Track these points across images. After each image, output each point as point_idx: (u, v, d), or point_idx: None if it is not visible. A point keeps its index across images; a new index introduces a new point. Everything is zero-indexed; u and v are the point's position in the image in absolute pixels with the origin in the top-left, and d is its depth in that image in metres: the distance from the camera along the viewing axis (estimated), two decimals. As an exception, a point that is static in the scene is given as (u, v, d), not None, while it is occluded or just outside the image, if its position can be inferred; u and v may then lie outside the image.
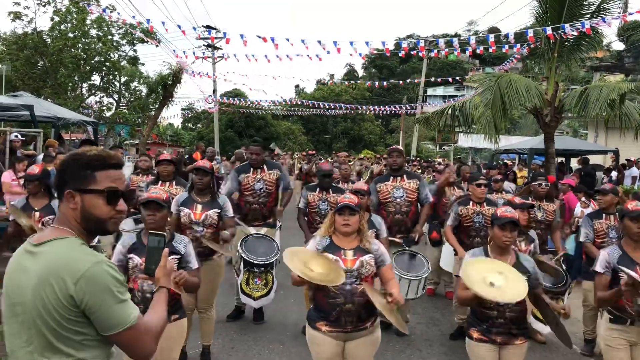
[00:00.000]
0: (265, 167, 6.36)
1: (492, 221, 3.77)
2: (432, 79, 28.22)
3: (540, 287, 3.79)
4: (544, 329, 5.40)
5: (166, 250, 2.23)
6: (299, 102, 31.98)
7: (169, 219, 4.01)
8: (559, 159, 15.56)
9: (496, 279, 3.37)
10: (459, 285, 3.71)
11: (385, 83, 28.37)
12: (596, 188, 5.98)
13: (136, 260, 3.67)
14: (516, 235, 3.75)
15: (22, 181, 6.91)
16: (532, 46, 12.47)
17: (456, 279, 5.98)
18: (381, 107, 31.16)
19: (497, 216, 3.72)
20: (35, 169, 5.34)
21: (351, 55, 44.66)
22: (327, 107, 31.92)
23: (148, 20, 14.05)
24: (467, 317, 3.97)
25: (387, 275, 3.67)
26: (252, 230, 6.13)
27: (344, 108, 33.33)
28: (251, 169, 6.31)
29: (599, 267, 3.85)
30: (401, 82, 28.72)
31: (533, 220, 5.91)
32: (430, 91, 63.36)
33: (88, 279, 1.69)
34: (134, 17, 17.28)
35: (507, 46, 14.88)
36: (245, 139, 37.38)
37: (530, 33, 11.40)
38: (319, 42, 12.31)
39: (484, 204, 6.03)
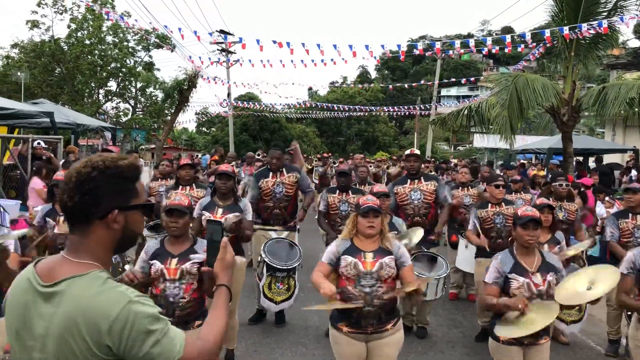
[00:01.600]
0: (284, 170, 6.39)
1: (514, 221, 3.77)
2: (446, 80, 28.08)
3: None
4: (567, 329, 5.37)
5: (225, 240, 2.02)
6: (313, 105, 32.01)
7: (191, 224, 4.04)
8: (577, 158, 15.44)
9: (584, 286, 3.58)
10: (486, 291, 3.71)
11: (401, 85, 28.21)
12: (626, 186, 5.91)
13: (158, 265, 3.72)
14: (539, 234, 3.75)
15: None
16: (548, 45, 12.39)
17: (480, 285, 5.95)
18: (395, 108, 31.13)
19: (518, 216, 3.73)
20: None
21: (366, 59, 44.76)
22: (341, 109, 31.97)
23: (166, 26, 14.17)
24: (491, 318, 3.98)
25: (407, 276, 3.67)
26: (273, 234, 6.16)
27: (357, 110, 33.34)
28: (270, 173, 6.34)
29: (623, 268, 3.85)
30: (414, 84, 28.56)
31: (558, 221, 5.87)
32: (444, 92, 63.17)
33: (122, 323, 1.48)
34: (150, 23, 17.50)
35: (522, 45, 14.80)
36: (260, 141, 37.52)
37: (547, 33, 11.33)
38: (335, 46, 12.36)
39: (502, 203, 6.03)
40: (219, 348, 1.76)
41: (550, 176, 10.32)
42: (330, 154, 19.54)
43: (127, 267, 5.89)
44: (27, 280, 1.58)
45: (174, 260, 3.70)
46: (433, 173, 10.70)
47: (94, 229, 1.59)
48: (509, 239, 5.82)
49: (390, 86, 32.11)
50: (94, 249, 1.59)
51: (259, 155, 14.17)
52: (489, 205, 6.04)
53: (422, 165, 7.55)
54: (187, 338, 1.62)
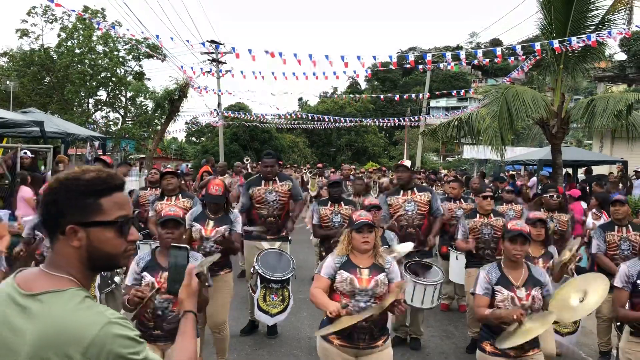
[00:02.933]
0: (276, 178, 6.37)
1: (503, 234, 3.77)
2: (437, 93, 28.24)
3: (549, 299, 3.76)
4: (563, 341, 5.39)
5: (190, 266, 1.96)
6: (303, 115, 32.06)
7: (184, 236, 4.01)
8: (566, 170, 15.57)
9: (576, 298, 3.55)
10: (476, 302, 3.70)
11: (392, 95, 28.31)
12: (614, 198, 5.94)
13: (148, 278, 3.66)
14: (527, 248, 3.73)
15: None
16: (538, 57, 12.53)
17: (470, 296, 5.96)
18: (385, 119, 31.23)
19: (507, 229, 3.72)
20: None
21: (356, 75, 44.99)
22: (331, 119, 32.04)
23: (157, 36, 14.17)
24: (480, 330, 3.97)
25: (393, 289, 3.64)
26: (265, 245, 6.12)
27: (347, 120, 33.43)
28: (262, 182, 6.31)
29: (617, 281, 3.85)
30: (406, 95, 28.61)
31: (553, 233, 5.89)
32: (433, 103, 63.53)
33: (99, 347, 1.38)
34: (142, 32, 17.44)
35: (512, 58, 14.97)
36: (250, 151, 37.41)
37: (538, 46, 11.47)
38: (326, 57, 12.44)
39: (491, 215, 6.06)
40: None
41: (540, 187, 10.39)
42: (323, 165, 19.50)
43: (116, 278, 5.84)
44: (6, 293, 1.47)
45: (165, 274, 3.63)
46: (425, 184, 10.73)
47: (61, 244, 1.51)
48: (496, 250, 5.87)
49: (382, 97, 32.29)
50: (65, 265, 1.50)
51: (247, 160, 14.16)
52: (477, 215, 6.07)
53: (415, 176, 7.55)
54: None
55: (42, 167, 11.58)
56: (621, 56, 36.97)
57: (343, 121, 32.21)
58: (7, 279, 1.55)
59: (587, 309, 3.54)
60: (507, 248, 3.68)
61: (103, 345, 1.39)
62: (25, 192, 8.13)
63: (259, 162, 8.16)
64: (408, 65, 15.54)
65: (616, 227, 5.68)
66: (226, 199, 5.23)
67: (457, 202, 7.57)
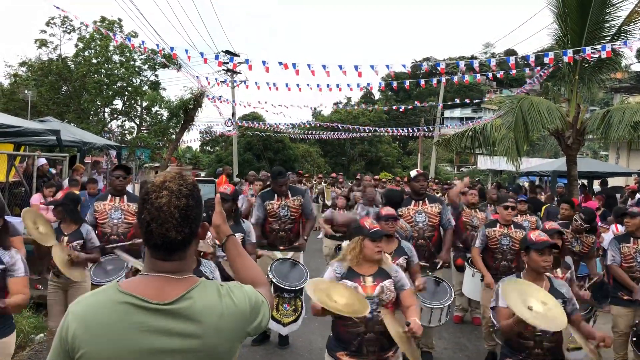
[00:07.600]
0: (289, 193, 6.37)
1: (528, 247, 3.59)
2: (450, 102, 28.16)
3: (577, 314, 3.66)
4: (570, 356, 5.29)
5: (218, 196, 2.10)
6: (317, 125, 32.12)
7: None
8: (582, 181, 15.40)
9: (536, 305, 3.17)
10: (500, 315, 3.55)
11: (402, 107, 28.26)
12: (625, 210, 5.86)
13: None
14: (552, 259, 3.62)
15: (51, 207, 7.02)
16: (552, 69, 12.45)
17: (486, 309, 5.89)
18: (399, 129, 31.19)
19: (533, 241, 3.56)
20: (59, 196, 5.42)
21: (370, 86, 45.08)
22: (345, 129, 32.05)
23: (172, 48, 14.31)
24: (497, 343, 3.89)
25: (406, 301, 3.58)
26: (278, 254, 6.13)
27: (361, 130, 33.40)
28: (275, 195, 6.33)
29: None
30: (418, 102, 28.55)
31: (569, 245, 5.82)
32: (447, 113, 63.32)
33: (256, 310, 1.69)
34: (158, 45, 17.45)
35: (527, 69, 14.88)
36: (264, 161, 37.55)
37: (551, 55, 11.41)
38: (340, 67, 12.43)
39: (512, 226, 5.98)
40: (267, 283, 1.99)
41: (556, 199, 10.26)
42: (335, 175, 19.41)
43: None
44: (123, 304, 1.52)
45: None
46: (439, 194, 10.66)
47: (191, 246, 1.64)
48: (513, 262, 5.79)
49: (395, 106, 32.32)
50: (191, 263, 1.67)
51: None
52: (498, 225, 6.00)
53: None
54: (259, 291, 1.77)
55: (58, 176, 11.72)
56: (638, 67, 36.62)
57: (357, 130, 32.18)
58: (101, 293, 1.58)
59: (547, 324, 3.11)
60: (534, 260, 3.53)
61: (255, 304, 1.69)
62: (34, 198, 8.22)
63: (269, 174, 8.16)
64: (422, 82, 15.41)
65: (631, 239, 5.60)
66: (236, 209, 5.24)
67: (474, 210, 7.53)
